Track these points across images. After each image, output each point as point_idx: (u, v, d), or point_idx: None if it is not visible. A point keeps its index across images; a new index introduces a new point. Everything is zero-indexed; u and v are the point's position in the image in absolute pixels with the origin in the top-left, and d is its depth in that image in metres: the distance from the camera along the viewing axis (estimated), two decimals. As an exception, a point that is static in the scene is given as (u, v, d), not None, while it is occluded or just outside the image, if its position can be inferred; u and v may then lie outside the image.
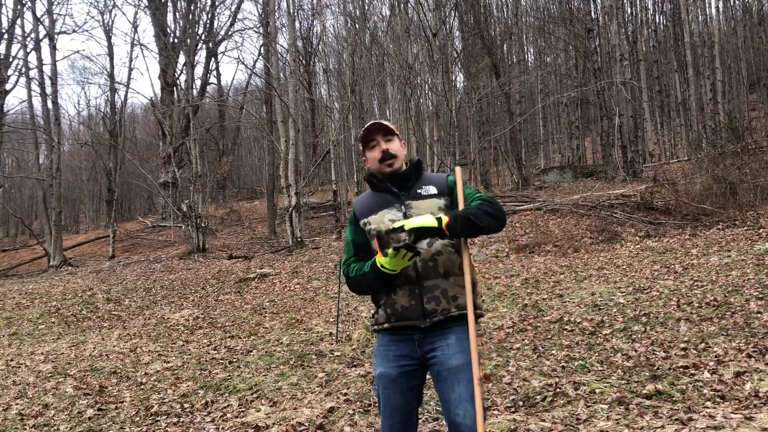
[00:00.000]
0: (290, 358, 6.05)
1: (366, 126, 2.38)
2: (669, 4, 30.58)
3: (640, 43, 29.11)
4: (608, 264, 8.99)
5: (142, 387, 5.60)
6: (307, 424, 4.04)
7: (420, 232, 2.11)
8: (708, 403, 3.50)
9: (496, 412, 3.79)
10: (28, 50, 21.58)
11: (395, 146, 2.36)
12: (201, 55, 38.99)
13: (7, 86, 20.84)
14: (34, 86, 21.72)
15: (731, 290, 5.98)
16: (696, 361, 4.22)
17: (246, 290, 11.75)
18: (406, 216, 2.26)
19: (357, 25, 23.71)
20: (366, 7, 24.77)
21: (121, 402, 5.16)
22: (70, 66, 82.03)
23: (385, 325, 2.27)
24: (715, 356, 4.25)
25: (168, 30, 25.70)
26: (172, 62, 25.15)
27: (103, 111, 29.36)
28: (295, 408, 4.40)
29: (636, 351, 4.64)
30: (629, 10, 28.89)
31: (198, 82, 27.14)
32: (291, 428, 3.99)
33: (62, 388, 5.77)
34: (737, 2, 31.78)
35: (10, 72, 20.95)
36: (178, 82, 25.50)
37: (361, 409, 4.20)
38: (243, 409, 4.58)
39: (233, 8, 41.44)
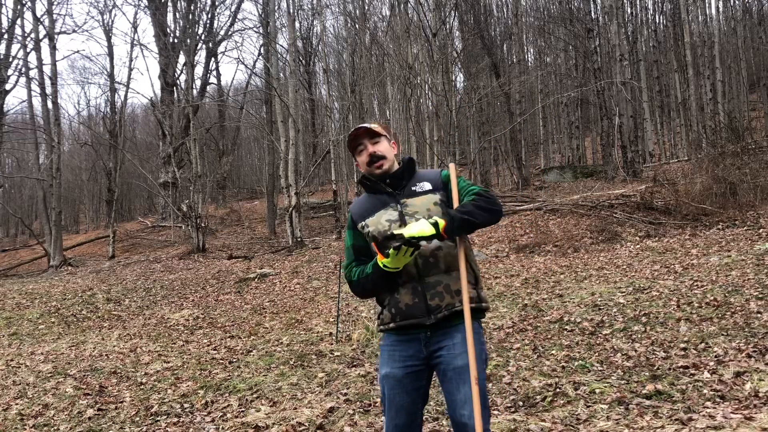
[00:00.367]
0: (290, 358, 6.05)
1: (350, 132, 2.37)
2: (669, 4, 30.56)
3: (640, 43, 29.12)
4: (608, 264, 8.99)
5: (142, 387, 5.60)
6: (307, 424, 4.03)
7: (418, 240, 2.10)
8: (708, 403, 3.50)
9: (496, 412, 3.79)
10: (28, 50, 21.63)
11: (383, 147, 2.35)
12: (201, 55, 38.94)
13: (7, 86, 20.86)
14: (34, 86, 21.79)
15: (731, 290, 5.98)
16: (696, 361, 4.22)
17: (246, 290, 11.75)
18: (402, 215, 2.26)
19: (357, 25, 23.72)
20: (366, 7, 24.80)
21: (121, 402, 5.16)
22: (70, 66, 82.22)
23: (391, 325, 2.26)
24: (715, 356, 4.25)
25: (168, 30, 25.73)
26: (172, 62, 25.16)
27: (103, 111, 29.44)
28: (295, 408, 4.40)
29: (636, 351, 4.64)
30: (629, 10, 28.87)
31: (198, 82, 27.19)
32: (291, 428, 3.99)
33: (62, 388, 5.76)
34: (737, 2, 31.80)
35: (10, 72, 20.97)
36: (178, 82, 25.53)
37: (361, 409, 4.19)
38: (243, 409, 4.58)
39: (233, 8, 41.33)
